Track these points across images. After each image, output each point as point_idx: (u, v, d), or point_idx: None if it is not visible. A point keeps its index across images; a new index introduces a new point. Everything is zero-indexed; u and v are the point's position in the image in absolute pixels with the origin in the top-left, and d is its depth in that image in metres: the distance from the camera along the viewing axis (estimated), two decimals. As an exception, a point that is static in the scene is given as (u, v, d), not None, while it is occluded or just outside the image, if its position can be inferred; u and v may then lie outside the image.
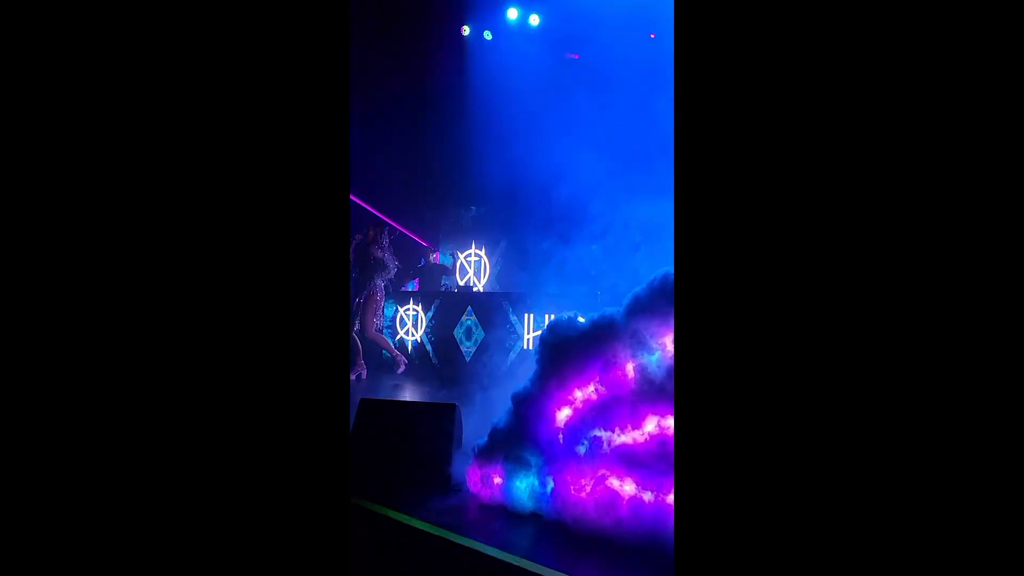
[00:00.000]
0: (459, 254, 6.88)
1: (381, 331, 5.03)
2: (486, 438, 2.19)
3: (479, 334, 5.24)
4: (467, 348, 5.32)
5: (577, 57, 6.57)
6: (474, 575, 1.80)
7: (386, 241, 4.90)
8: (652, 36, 5.76)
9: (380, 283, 4.84)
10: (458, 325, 5.40)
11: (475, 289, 6.46)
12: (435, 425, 2.38)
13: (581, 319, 2.06)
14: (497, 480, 2.13)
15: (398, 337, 5.87)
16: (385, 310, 6.10)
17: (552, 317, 3.73)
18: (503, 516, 2.05)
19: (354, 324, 4.74)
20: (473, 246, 6.81)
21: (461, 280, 6.65)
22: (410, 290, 6.41)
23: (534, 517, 2.02)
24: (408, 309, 5.82)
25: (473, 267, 6.77)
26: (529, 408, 2.06)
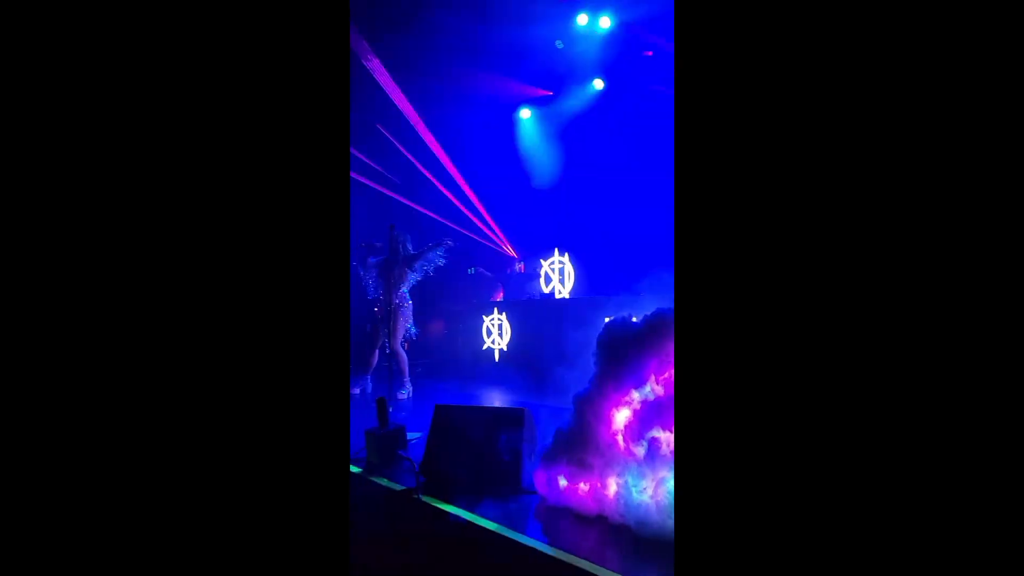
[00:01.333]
0: (543, 262, 6.93)
1: (405, 346, 4.75)
2: (551, 440, 2.22)
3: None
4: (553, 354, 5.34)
5: (651, 55, 6.47)
6: (536, 574, 1.82)
7: (410, 247, 4.71)
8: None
9: (407, 292, 4.65)
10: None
11: (560, 296, 6.48)
12: (506, 429, 2.44)
13: (635, 319, 2.03)
14: (562, 482, 2.14)
15: (484, 347, 6.01)
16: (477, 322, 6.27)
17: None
18: (569, 518, 2.06)
19: (386, 337, 4.41)
20: (556, 253, 6.84)
21: (547, 288, 6.69)
22: (496, 300, 6.55)
23: (599, 519, 2.01)
24: (493, 319, 5.95)
25: (558, 274, 6.79)
26: (589, 410, 2.05)
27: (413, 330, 4.75)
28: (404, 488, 2.35)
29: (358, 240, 4.67)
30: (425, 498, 2.25)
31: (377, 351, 4.69)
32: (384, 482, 2.46)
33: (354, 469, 2.60)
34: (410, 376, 4.72)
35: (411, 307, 4.69)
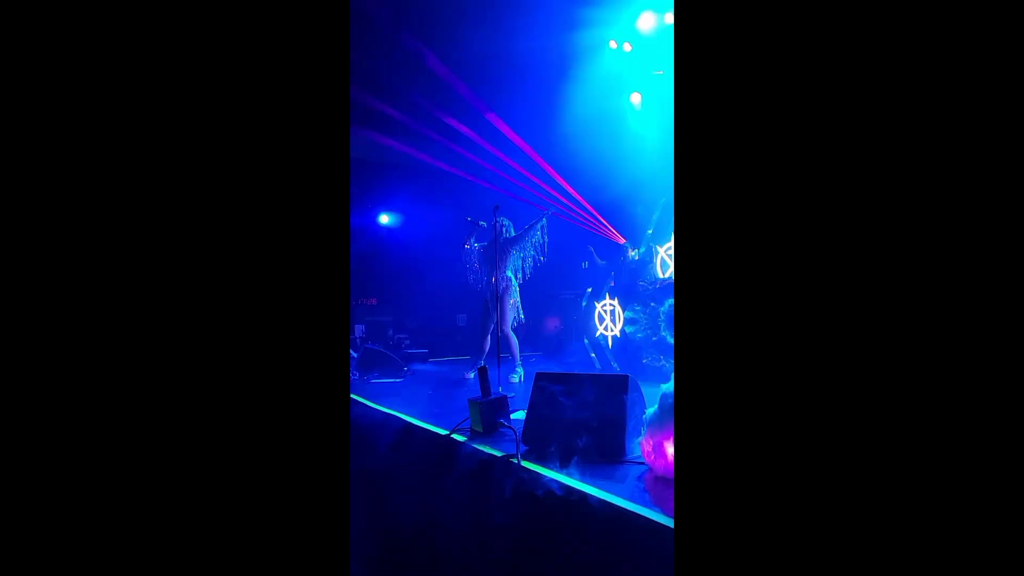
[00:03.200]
0: (659, 248, 6.63)
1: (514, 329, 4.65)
2: (656, 405, 2.05)
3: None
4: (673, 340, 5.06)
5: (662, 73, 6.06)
6: (641, 541, 1.68)
7: (513, 229, 4.63)
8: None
9: (511, 275, 4.58)
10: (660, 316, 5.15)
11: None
12: (609, 396, 2.31)
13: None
14: (670, 449, 1.97)
15: (597, 334, 5.85)
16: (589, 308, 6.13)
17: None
18: (675, 487, 1.89)
19: (495, 319, 4.46)
20: (674, 238, 6.50)
21: (664, 274, 6.38)
22: (609, 286, 6.36)
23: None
24: (605, 305, 5.78)
25: (674, 261, 6.46)
26: (696, 367, 1.87)
27: (521, 315, 4.71)
28: (504, 454, 2.30)
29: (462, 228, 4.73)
30: (525, 463, 2.19)
31: (489, 336, 4.71)
32: (486, 449, 2.43)
33: (458, 438, 2.61)
34: (523, 362, 4.70)
35: (517, 290, 4.65)
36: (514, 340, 4.56)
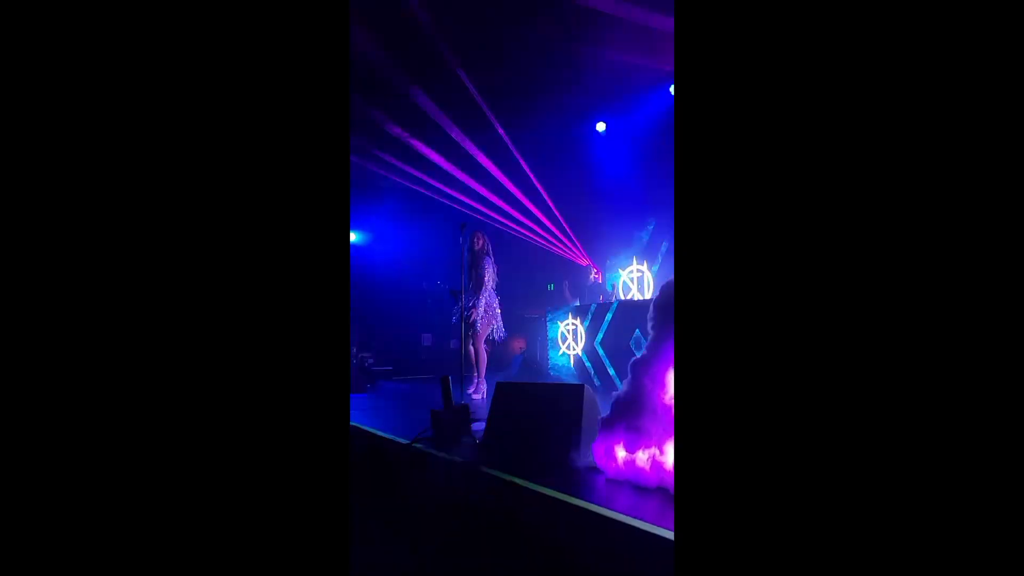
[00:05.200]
0: (621, 271, 6.84)
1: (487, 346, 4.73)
2: (608, 409, 2.16)
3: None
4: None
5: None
6: (600, 538, 1.77)
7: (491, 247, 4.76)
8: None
9: (493, 292, 4.67)
10: (632, 337, 5.21)
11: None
12: (564, 404, 2.41)
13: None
14: (620, 453, 2.08)
15: (561, 352, 5.98)
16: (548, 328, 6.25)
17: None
18: (629, 489, 1.99)
19: (471, 336, 4.53)
20: (635, 262, 6.73)
21: (625, 297, 6.58)
22: (573, 305, 6.52)
23: (660, 491, 1.93)
24: (568, 324, 5.92)
25: (636, 283, 6.67)
26: (645, 374, 1.99)
27: (501, 332, 4.78)
28: (464, 461, 2.38)
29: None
30: (486, 469, 2.27)
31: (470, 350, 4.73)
32: (447, 456, 2.50)
33: (418, 447, 2.67)
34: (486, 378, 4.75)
35: (489, 307, 4.69)
36: (483, 356, 4.63)
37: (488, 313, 4.66)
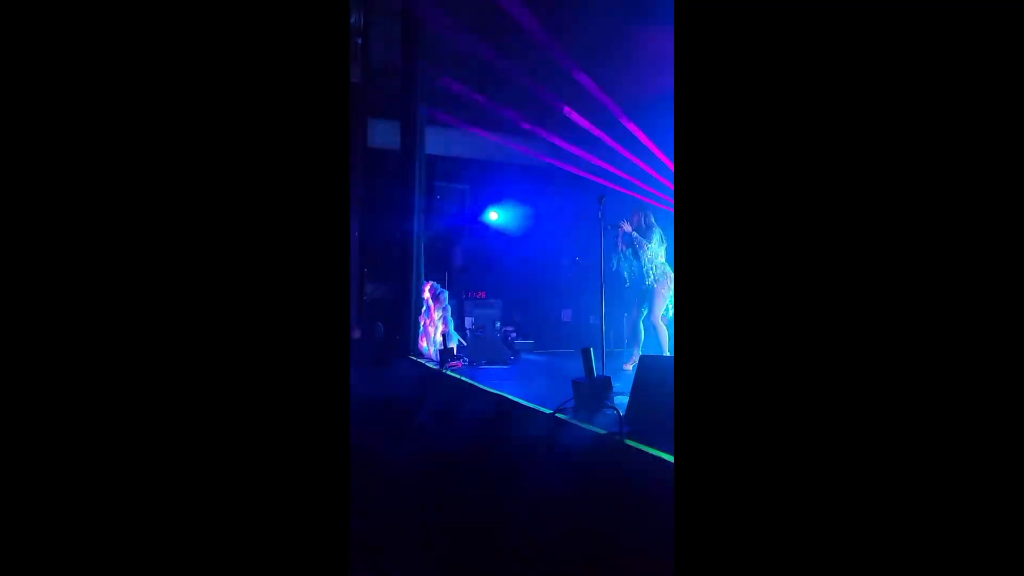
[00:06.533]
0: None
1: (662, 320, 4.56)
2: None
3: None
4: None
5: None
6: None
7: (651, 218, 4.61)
8: None
9: (664, 265, 4.50)
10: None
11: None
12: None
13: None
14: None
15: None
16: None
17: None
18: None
19: (643, 311, 4.49)
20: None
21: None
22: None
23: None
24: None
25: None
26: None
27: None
28: (608, 432, 2.36)
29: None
30: (629, 442, 2.23)
31: (640, 325, 4.71)
32: (589, 427, 2.50)
33: (562, 417, 2.70)
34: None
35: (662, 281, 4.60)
36: (664, 331, 4.52)
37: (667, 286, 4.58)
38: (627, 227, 4.54)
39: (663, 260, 4.51)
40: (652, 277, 4.48)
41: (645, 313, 4.49)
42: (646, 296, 4.48)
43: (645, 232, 4.57)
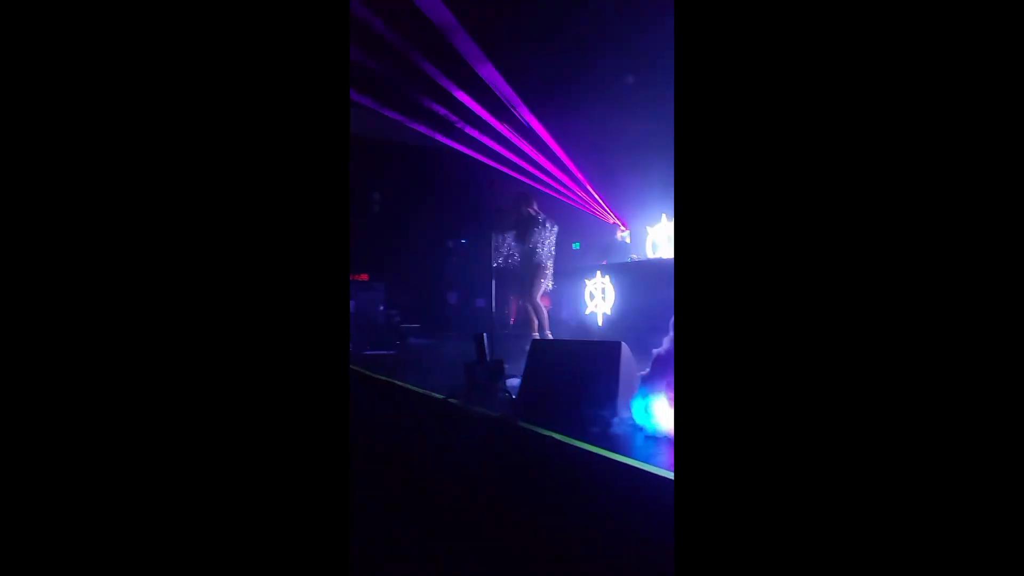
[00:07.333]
0: (649, 229, 6.72)
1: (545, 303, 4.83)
2: (648, 366, 2.13)
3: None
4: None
5: None
6: (638, 492, 1.77)
7: (536, 205, 4.84)
8: None
9: (546, 250, 4.73)
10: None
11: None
12: (602, 361, 2.39)
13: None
14: (661, 409, 2.06)
15: (588, 311, 5.95)
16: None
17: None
18: (668, 445, 1.98)
19: (527, 293, 4.70)
20: (664, 219, 6.59)
21: (653, 255, 6.48)
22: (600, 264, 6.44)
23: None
24: (596, 283, 5.86)
25: (666, 241, 6.55)
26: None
27: (550, 284, 4.89)
28: (501, 415, 2.38)
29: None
30: (523, 424, 2.27)
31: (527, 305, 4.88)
32: (482, 411, 2.51)
33: (453, 401, 2.68)
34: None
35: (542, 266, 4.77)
36: (542, 311, 4.67)
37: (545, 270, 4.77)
38: (519, 211, 4.64)
39: (545, 249, 4.67)
40: (534, 262, 4.61)
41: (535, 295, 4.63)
42: (526, 279, 4.62)
43: (530, 219, 4.69)
